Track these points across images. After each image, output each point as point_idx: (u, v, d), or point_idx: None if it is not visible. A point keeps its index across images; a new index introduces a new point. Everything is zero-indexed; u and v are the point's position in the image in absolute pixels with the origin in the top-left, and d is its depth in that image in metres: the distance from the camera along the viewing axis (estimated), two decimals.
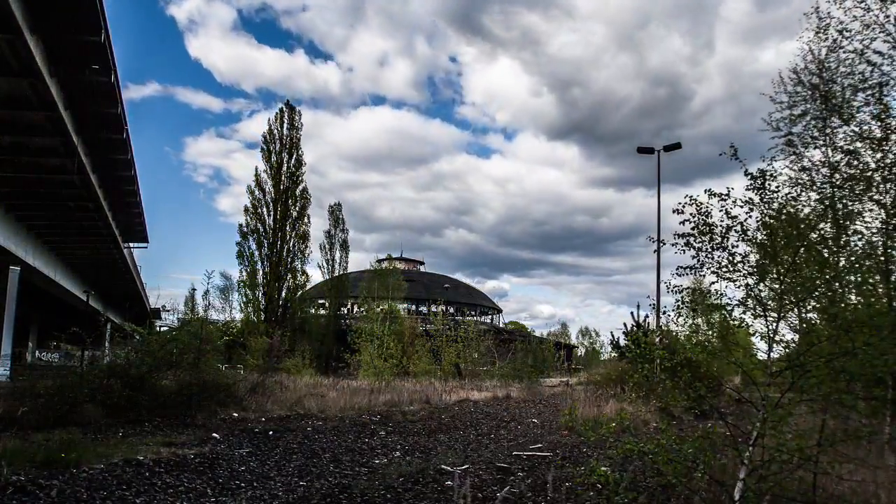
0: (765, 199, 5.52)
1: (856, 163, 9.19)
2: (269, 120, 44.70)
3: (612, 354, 28.78)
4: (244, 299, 42.55)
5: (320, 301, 49.41)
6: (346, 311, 51.23)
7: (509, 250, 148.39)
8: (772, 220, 5.53)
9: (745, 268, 5.48)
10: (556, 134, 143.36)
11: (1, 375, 24.22)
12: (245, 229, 42.58)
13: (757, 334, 5.46)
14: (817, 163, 9.69)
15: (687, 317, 5.78)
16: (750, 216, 5.54)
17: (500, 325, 68.18)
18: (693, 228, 5.59)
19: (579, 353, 70.46)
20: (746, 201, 5.53)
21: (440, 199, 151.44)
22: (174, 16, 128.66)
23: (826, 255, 7.25)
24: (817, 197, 8.88)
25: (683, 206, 5.61)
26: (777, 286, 5.40)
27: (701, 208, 5.55)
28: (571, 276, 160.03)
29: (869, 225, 8.64)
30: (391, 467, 8.23)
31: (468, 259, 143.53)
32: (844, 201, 8.80)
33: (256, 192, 43.00)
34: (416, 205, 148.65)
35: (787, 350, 5.56)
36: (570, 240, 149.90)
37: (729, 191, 5.53)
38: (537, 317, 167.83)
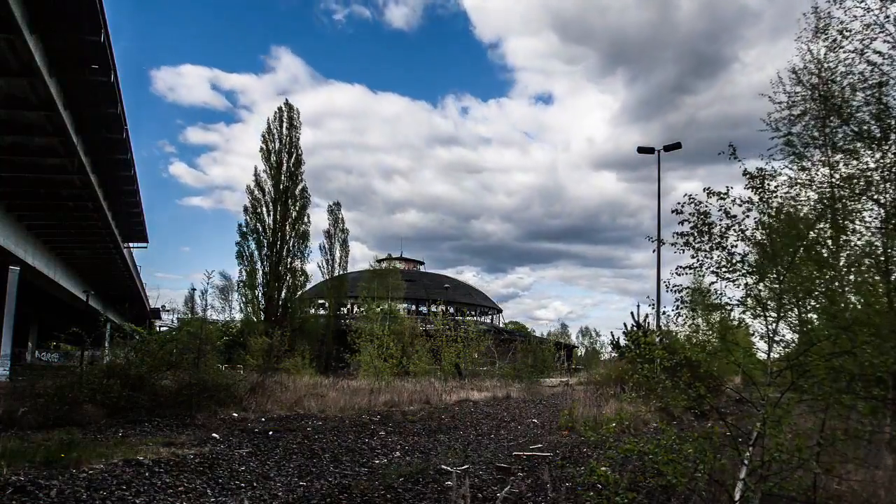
0: (763, 199, 5.52)
1: (855, 162, 9.19)
2: (267, 119, 44.56)
3: (613, 354, 28.80)
4: (244, 299, 42.60)
5: (320, 301, 49.39)
6: (345, 311, 51.20)
7: (526, 242, 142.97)
8: (771, 220, 5.54)
9: (745, 267, 5.48)
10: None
11: (0, 375, 24.22)
12: (245, 229, 42.59)
13: (756, 334, 5.47)
14: (817, 162, 9.70)
15: (687, 317, 5.79)
16: (748, 216, 5.55)
17: (500, 325, 68.20)
18: (692, 228, 5.60)
19: (579, 354, 70.46)
20: (745, 201, 5.54)
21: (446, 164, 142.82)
22: None
23: (825, 254, 7.25)
24: (816, 196, 8.88)
25: (682, 206, 5.62)
26: (776, 286, 5.40)
27: (699, 207, 5.56)
28: (586, 268, 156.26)
29: (868, 225, 8.64)
30: (391, 467, 8.23)
31: (487, 252, 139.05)
32: (844, 201, 8.80)
33: (256, 192, 42.96)
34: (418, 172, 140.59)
35: (786, 350, 5.56)
36: (595, 232, 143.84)
37: (728, 189, 5.55)
38: (552, 314, 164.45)
